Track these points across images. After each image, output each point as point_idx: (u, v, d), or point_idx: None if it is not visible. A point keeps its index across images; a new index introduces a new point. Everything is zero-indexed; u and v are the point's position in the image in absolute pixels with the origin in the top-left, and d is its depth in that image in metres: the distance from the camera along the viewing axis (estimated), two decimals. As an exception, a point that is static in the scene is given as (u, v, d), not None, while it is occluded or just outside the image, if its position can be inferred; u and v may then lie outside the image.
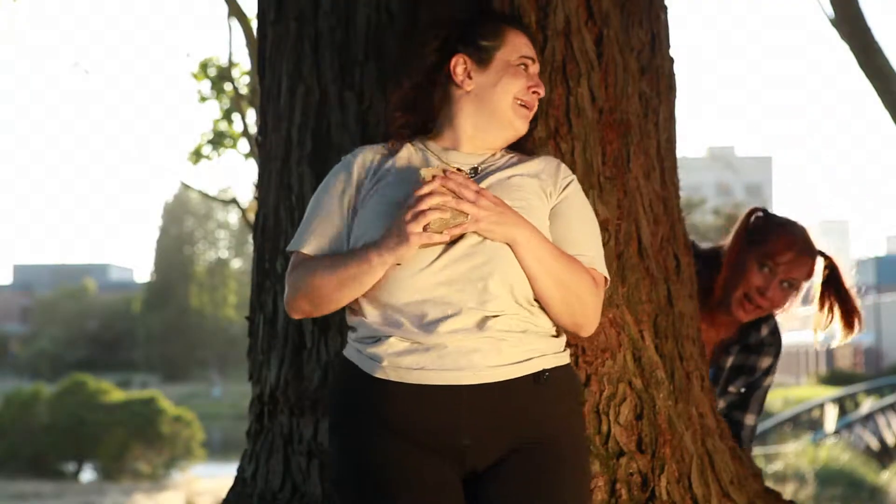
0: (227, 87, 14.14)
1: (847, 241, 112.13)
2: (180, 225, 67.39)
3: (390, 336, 2.39)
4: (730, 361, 3.54)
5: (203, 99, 14.42)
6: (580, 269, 2.47)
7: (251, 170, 20.64)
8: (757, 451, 21.91)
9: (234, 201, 15.94)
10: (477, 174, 2.52)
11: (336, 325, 3.07)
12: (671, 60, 3.33)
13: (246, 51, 12.97)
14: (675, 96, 3.35)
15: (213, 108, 14.74)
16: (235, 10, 12.69)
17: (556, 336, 2.50)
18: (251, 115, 13.71)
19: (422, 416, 2.38)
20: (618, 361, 2.98)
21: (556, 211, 2.54)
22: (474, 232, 2.38)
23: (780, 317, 3.56)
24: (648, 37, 3.23)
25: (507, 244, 2.40)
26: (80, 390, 25.64)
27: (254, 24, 6.67)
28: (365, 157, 2.58)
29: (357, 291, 2.42)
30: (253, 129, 13.37)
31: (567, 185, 2.59)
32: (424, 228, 2.32)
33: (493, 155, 2.59)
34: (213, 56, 14.39)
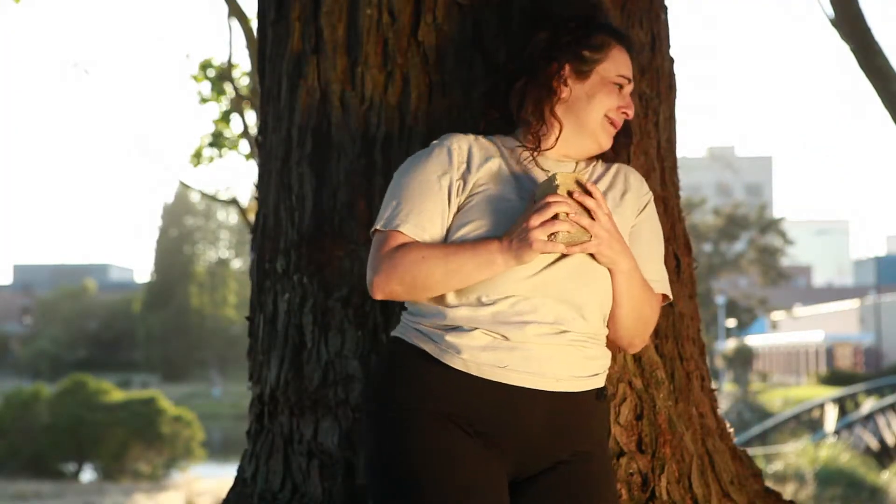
0: (228, 87, 14.14)
1: (847, 242, 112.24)
2: (180, 225, 67.47)
3: (475, 329, 2.37)
4: None
5: (204, 100, 14.42)
6: (654, 298, 2.55)
7: (251, 170, 20.64)
8: (757, 451, 21.95)
9: (234, 201, 15.95)
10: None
11: (336, 325, 3.08)
12: (671, 60, 3.34)
13: (246, 51, 12.97)
14: (675, 96, 3.35)
15: (214, 110, 14.75)
16: (235, 11, 12.70)
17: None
18: (251, 115, 13.72)
19: (493, 414, 2.37)
20: (618, 361, 2.98)
21: (634, 230, 2.56)
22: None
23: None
24: (648, 37, 3.23)
25: (609, 268, 2.43)
26: (80, 390, 25.65)
27: (254, 25, 6.68)
28: (461, 146, 2.51)
29: (465, 284, 2.38)
30: (253, 130, 13.38)
31: (647, 205, 2.62)
32: (550, 237, 2.30)
33: (579, 163, 2.59)
34: (212, 57, 14.39)
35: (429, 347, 2.40)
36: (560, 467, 2.43)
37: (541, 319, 2.37)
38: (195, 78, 14.41)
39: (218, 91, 14.27)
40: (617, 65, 2.56)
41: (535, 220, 2.30)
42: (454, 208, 2.45)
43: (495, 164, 2.50)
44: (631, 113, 2.58)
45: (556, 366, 2.38)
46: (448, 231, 2.45)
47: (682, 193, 3.42)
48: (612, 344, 2.55)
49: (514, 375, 2.35)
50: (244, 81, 13.95)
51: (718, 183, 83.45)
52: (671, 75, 3.33)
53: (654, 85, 3.24)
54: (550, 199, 2.31)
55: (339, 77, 3.14)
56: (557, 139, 2.54)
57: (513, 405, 2.36)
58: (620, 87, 2.57)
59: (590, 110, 2.53)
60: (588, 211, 2.33)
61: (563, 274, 2.39)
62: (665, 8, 3.36)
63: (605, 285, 2.45)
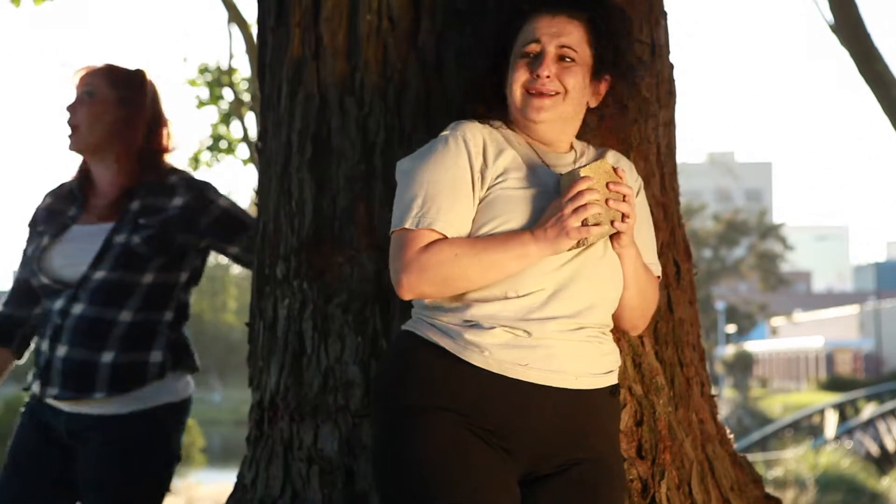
0: (227, 92, 14.15)
1: (847, 247, 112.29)
2: (180, 230, 67.26)
3: (494, 326, 2.36)
4: (136, 204, 3.40)
5: (201, 104, 14.43)
6: (654, 280, 2.60)
7: (251, 175, 20.67)
8: (757, 457, 21.94)
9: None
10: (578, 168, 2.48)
11: (336, 330, 3.07)
12: (671, 66, 3.33)
13: (246, 57, 12.99)
14: (674, 102, 3.35)
15: (212, 114, 14.76)
16: (235, 16, 12.73)
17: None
18: (251, 120, 13.73)
19: (509, 412, 2.36)
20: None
21: None
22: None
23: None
24: (648, 43, 3.23)
25: (620, 254, 2.47)
26: (79, 396, 25.57)
27: (254, 30, 6.68)
28: (475, 135, 2.47)
29: (499, 278, 2.37)
30: (253, 135, 13.39)
31: (639, 191, 2.64)
32: (583, 223, 2.33)
33: (572, 150, 2.59)
34: (208, 63, 14.41)
35: (447, 344, 2.38)
36: (574, 469, 2.43)
37: (563, 313, 2.37)
38: (191, 82, 14.41)
39: (215, 94, 14.28)
40: (524, 34, 2.53)
41: (569, 209, 2.32)
42: (476, 202, 2.43)
43: (510, 155, 2.48)
44: (545, 72, 2.49)
45: (575, 363, 2.39)
46: (472, 226, 2.43)
47: (681, 199, 3.42)
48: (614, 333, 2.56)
49: (535, 373, 2.36)
50: (243, 87, 13.96)
51: (718, 188, 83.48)
52: (671, 81, 3.33)
53: (654, 90, 3.24)
54: (580, 186, 2.34)
55: (339, 83, 3.14)
56: (530, 133, 2.55)
57: (530, 403, 2.36)
58: (528, 54, 2.51)
59: (512, 94, 2.52)
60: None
61: (585, 265, 2.41)
62: (665, 14, 3.36)
63: (619, 274, 2.49)
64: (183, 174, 3.48)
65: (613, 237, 2.44)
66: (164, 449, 3.41)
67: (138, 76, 3.50)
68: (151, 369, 3.38)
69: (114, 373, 3.32)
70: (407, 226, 2.40)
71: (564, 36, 2.50)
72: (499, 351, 2.35)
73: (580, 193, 2.33)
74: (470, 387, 2.36)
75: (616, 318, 2.55)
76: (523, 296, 2.38)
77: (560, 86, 2.49)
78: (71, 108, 3.43)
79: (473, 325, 2.37)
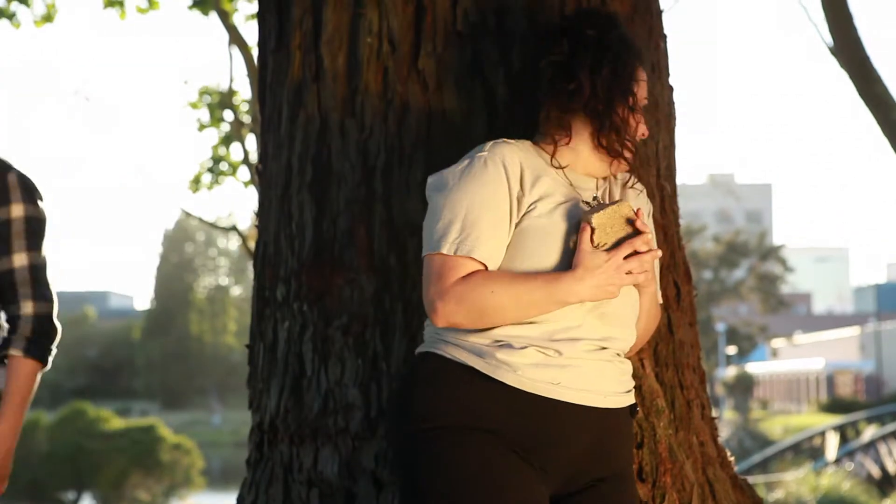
0: (228, 114, 14.19)
1: (847, 269, 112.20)
2: (180, 252, 67.49)
3: (526, 346, 2.35)
4: None
5: (202, 127, 14.48)
6: (659, 309, 2.66)
7: (252, 197, 20.68)
8: (758, 479, 21.88)
9: (234, 228, 16.00)
10: (599, 205, 2.43)
11: (336, 353, 3.07)
12: (671, 89, 3.35)
13: (246, 79, 13.03)
14: (674, 124, 3.35)
15: (213, 136, 14.80)
16: (236, 39, 12.76)
17: None
18: (251, 142, 13.77)
19: (542, 432, 2.36)
20: (618, 390, 2.97)
21: None
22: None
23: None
24: (648, 66, 3.24)
25: (640, 291, 2.52)
26: (79, 418, 25.62)
27: (254, 53, 6.70)
28: (513, 160, 2.41)
29: (534, 316, 2.36)
30: (253, 157, 13.42)
31: (649, 214, 2.67)
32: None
33: (598, 181, 2.56)
34: (211, 85, 14.44)
35: (477, 363, 2.35)
36: (601, 485, 2.46)
37: (590, 336, 2.39)
38: (192, 105, 14.46)
39: (216, 117, 14.33)
40: (643, 89, 2.55)
41: (622, 275, 2.33)
42: (512, 230, 2.39)
43: (546, 181, 2.43)
44: (647, 133, 2.58)
45: (603, 382, 2.41)
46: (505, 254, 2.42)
47: (681, 220, 3.42)
48: None
49: (567, 392, 2.36)
50: (244, 108, 14.00)
51: (718, 210, 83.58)
52: (670, 103, 3.34)
53: (654, 113, 3.24)
54: (634, 245, 2.34)
55: (340, 105, 3.14)
56: (582, 160, 2.50)
57: (563, 422, 2.36)
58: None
59: (618, 137, 2.48)
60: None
61: (612, 302, 2.42)
62: (664, 37, 3.37)
63: (637, 302, 2.52)
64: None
65: None
66: None
67: None
68: None
69: None
70: (444, 251, 2.35)
71: None
72: (531, 370, 2.34)
73: (633, 257, 2.33)
74: (502, 406, 2.34)
75: None
76: (549, 320, 2.37)
77: None
78: None
79: (504, 344, 2.35)
